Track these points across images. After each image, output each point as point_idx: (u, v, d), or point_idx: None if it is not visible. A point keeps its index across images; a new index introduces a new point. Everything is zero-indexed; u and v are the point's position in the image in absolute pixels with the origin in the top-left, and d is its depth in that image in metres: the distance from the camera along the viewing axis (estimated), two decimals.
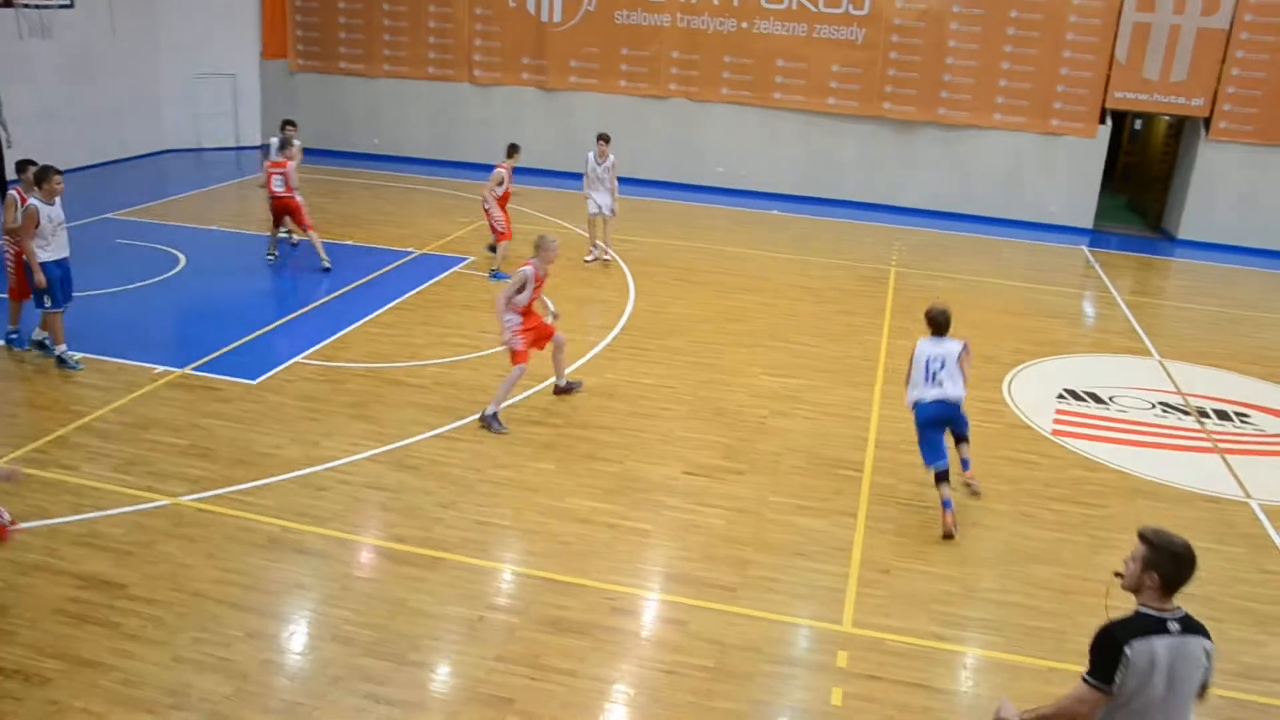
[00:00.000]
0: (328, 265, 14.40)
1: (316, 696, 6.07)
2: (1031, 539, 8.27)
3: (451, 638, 6.68)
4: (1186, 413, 11.10)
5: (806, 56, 20.45)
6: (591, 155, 15.46)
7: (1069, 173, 20.03)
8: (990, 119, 20.02)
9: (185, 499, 8.24)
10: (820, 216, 19.76)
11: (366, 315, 12.73)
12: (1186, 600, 4.24)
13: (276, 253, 15.05)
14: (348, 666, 6.34)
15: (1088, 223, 20.17)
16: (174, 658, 6.36)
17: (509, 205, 14.98)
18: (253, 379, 10.66)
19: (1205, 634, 4.27)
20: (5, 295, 11.42)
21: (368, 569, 7.48)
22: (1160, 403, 11.31)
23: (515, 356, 9.71)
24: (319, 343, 11.73)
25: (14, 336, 11.27)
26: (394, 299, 13.42)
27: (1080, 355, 12.85)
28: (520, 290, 9.59)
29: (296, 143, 14.84)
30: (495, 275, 14.52)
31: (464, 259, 15.25)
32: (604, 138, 15.61)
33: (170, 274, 14.19)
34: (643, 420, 10.07)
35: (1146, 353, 13.03)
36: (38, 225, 10.23)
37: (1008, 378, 11.72)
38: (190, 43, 22.75)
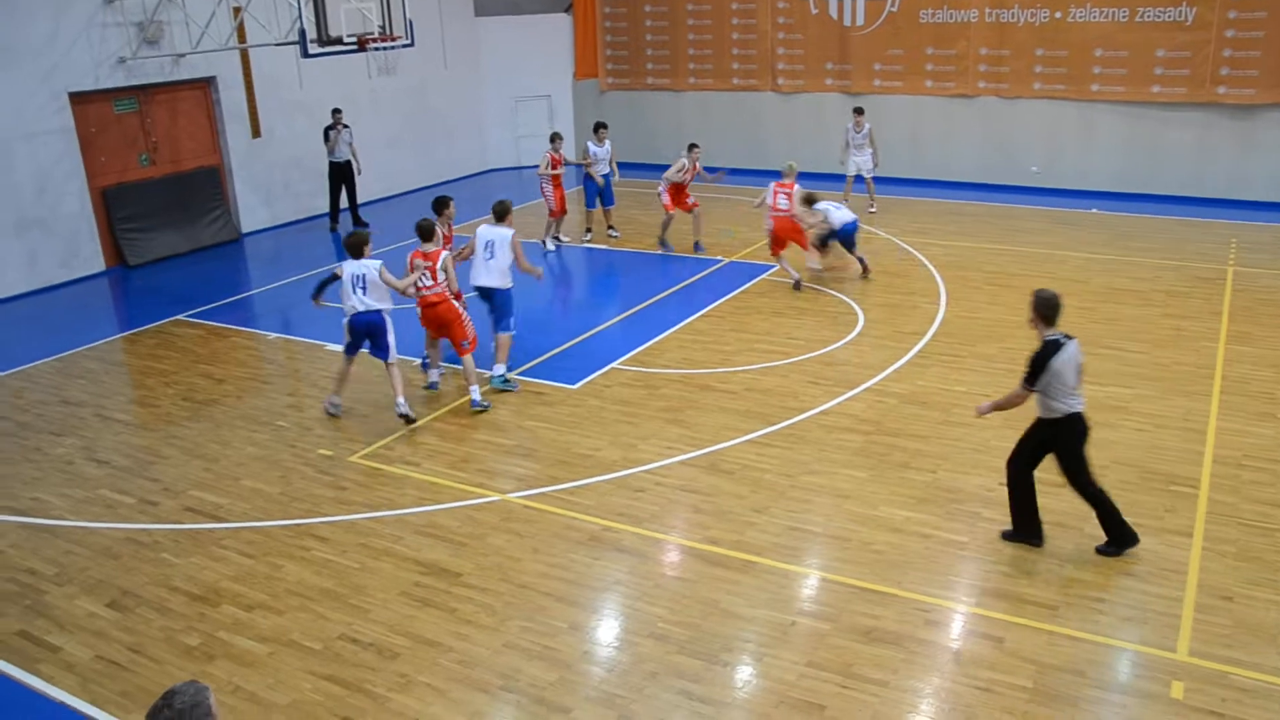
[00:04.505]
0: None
1: (633, 690, 6.33)
2: None
3: (763, 641, 6.77)
4: None
5: (1128, 44, 19.09)
6: (850, 126, 18.64)
7: None
8: None
9: (513, 496, 8.82)
10: (1143, 214, 18.36)
11: (679, 323, 13.11)
12: None
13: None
14: (662, 663, 6.57)
15: None
16: (504, 644, 6.82)
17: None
18: (573, 384, 11.26)
19: (1075, 339, 7.30)
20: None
21: (682, 569, 7.71)
22: None
23: None
24: (634, 349, 12.21)
25: None
26: (705, 306, 13.73)
27: None
28: None
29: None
30: (696, 246, 16.73)
31: (771, 266, 15.33)
32: (859, 110, 18.71)
33: None
34: (956, 429, 9.80)
35: None
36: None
37: None
38: (510, 69, 24.44)
